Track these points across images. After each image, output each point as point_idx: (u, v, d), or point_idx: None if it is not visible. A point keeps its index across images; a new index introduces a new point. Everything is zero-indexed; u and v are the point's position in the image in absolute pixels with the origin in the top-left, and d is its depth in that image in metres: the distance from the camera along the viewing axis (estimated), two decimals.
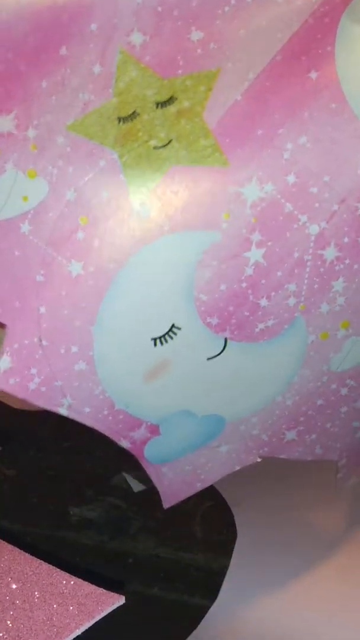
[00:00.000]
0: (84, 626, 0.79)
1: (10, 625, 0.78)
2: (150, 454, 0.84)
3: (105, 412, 0.80)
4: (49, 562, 0.87)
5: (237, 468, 0.88)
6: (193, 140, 0.73)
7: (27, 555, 0.87)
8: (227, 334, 0.78)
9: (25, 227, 0.70)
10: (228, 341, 0.78)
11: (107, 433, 0.82)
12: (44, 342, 0.74)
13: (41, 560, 0.86)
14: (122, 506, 0.98)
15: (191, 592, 0.91)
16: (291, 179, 0.74)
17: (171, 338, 0.77)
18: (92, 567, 0.93)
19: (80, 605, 0.80)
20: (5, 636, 0.77)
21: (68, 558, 0.94)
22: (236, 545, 0.89)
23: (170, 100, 0.71)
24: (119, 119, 0.70)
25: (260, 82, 0.72)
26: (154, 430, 0.83)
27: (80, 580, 0.83)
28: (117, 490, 1.01)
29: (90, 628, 0.79)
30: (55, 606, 0.80)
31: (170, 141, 0.72)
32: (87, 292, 0.73)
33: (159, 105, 0.71)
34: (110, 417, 0.80)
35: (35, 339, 0.74)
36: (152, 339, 0.76)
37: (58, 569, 0.85)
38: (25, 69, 0.66)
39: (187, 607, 0.91)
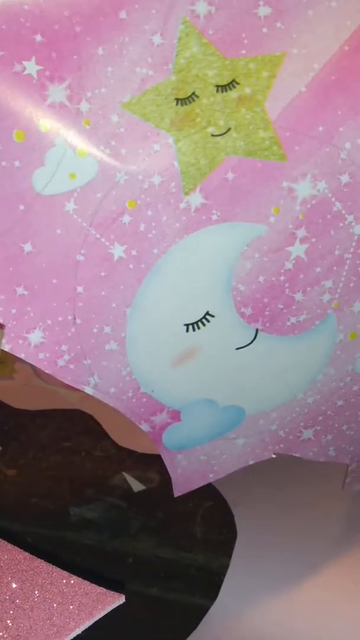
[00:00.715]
0: (84, 625, 0.79)
1: (10, 624, 0.78)
2: (168, 440, 0.84)
3: (130, 395, 0.80)
4: (49, 562, 0.86)
5: (251, 462, 0.88)
6: (252, 130, 0.71)
7: (27, 554, 0.87)
8: (259, 325, 0.78)
9: (70, 206, 0.69)
10: (259, 332, 0.78)
11: (128, 415, 0.81)
12: (78, 321, 0.73)
13: (41, 560, 0.86)
14: (122, 506, 0.98)
15: (191, 592, 0.91)
16: (345, 178, 0.74)
17: (204, 325, 0.76)
18: (92, 567, 0.93)
19: (80, 605, 0.80)
20: (5, 635, 0.77)
21: (68, 558, 0.94)
22: (236, 545, 0.89)
23: (231, 85, 0.69)
24: (177, 101, 0.68)
25: (326, 74, 0.70)
26: (175, 416, 0.82)
27: (80, 579, 0.83)
28: (117, 490, 1.01)
29: (90, 627, 0.79)
30: (55, 605, 0.80)
31: (228, 130, 0.70)
32: (127, 275, 0.73)
33: (220, 89, 0.69)
34: (134, 400, 0.80)
35: (70, 317, 0.73)
36: (185, 324, 0.76)
37: (58, 568, 0.85)
38: (82, 31, 0.63)
39: (187, 607, 0.91)
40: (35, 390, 1.25)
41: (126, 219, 0.71)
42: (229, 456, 0.86)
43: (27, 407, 1.21)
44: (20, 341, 0.72)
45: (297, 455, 0.88)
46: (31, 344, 0.73)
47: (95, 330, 0.75)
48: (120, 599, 0.82)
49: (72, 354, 0.75)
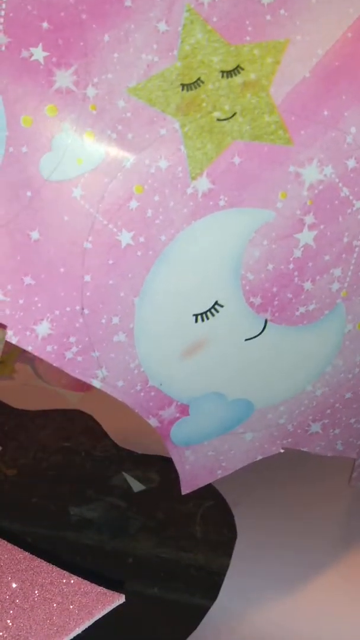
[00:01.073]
0: (84, 625, 0.79)
1: (10, 624, 0.78)
2: (176, 435, 0.83)
3: (138, 388, 0.79)
4: (49, 562, 0.86)
5: (259, 457, 0.87)
6: (258, 115, 0.71)
7: (27, 554, 0.87)
8: (268, 315, 0.78)
9: (77, 192, 0.69)
10: (268, 323, 0.78)
11: (136, 409, 0.81)
12: (86, 311, 0.73)
13: (41, 560, 0.86)
14: (122, 506, 0.98)
15: (191, 592, 0.91)
16: (351, 163, 0.74)
17: (213, 315, 0.76)
18: (92, 567, 0.93)
19: (80, 604, 0.80)
20: (5, 635, 0.77)
21: (68, 558, 0.94)
22: (236, 545, 0.89)
23: (236, 70, 0.70)
24: (183, 86, 0.69)
25: (329, 60, 0.71)
26: (184, 410, 0.82)
27: (80, 579, 0.83)
28: (117, 490, 1.01)
29: (90, 627, 0.79)
30: (55, 605, 0.80)
31: (234, 114, 0.71)
32: (135, 263, 0.72)
33: (225, 75, 0.69)
34: (142, 394, 0.80)
35: (77, 307, 0.72)
36: (194, 315, 0.76)
37: (58, 568, 0.85)
38: (88, 18, 0.64)
39: (187, 607, 0.91)
40: (35, 390, 1.25)
41: (133, 204, 0.70)
42: (237, 451, 0.86)
43: (27, 407, 1.21)
44: (28, 333, 0.72)
45: (304, 449, 0.88)
46: (39, 336, 0.72)
47: (103, 321, 0.74)
48: (120, 599, 0.82)
49: (80, 346, 0.74)
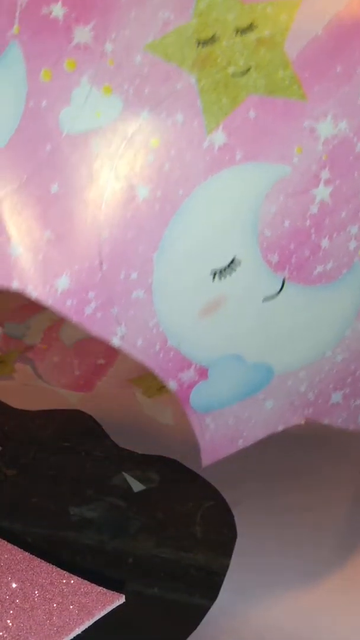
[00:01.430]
0: (84, 625, 0.79)
1: (10, 624, 0.78)
2: (195, 400, 0.82)
3: (157, 348, 0.79)
4: (49, 562, 0.86)
5: (280, 429, 0.86)
6: (272, 70, 0.72)
7: (27, 554, 0.87)
8: (285, 274, 0.78)
9: (95, 145, 0.69)
10: (286, 282, 0.78)
11: (156, 371, 0.80)
12: (104, 266, 0.73)
13: (41, 560, 0.86)
14: (122, 506, 0.98)
15: (191, 592, 0.91)
16: None
17: (230, 274, 0.76)
18: (92, 567, 0.93)
19: (80, 604, 0.80)
20: (5, 635, 0.77)
21: (68, 558, 0.94)
22: (236, 545, 0.89)
23: (250, 27, 0.71)
24: (198, 42, 0.70)
25: (342, 18, 0.72)
26: (203, 373, 0.81)
27: (80, 579, 0.83)
28: (117, 490, 1.01)
29: (90, 627, 0.79)
30: (55, 605, 0.80)
31: (249, 69, 0.72)
32: (153, 217, 0.73)
33: (239, 32, 0.71)
34: (161, 354, 0.79)
35: (96, 262, 0.72)
36: (212, 271, 0.76)
37: (58, 568, 0.85)
38: None
39: (187, 607, 0.91)
40: (35, 390, 1.25)
41: (150, 158, 0.71)
42: (258, 420, 0.85)
43: (27, 407, 1.21)
44: (48, 287, 0.71)
45: (326, 422, 0.87)
46: (58, 290, 0.72)
47: (122, 276, 0.74)
48: (120, 599, 0.82)
49: (99, 302, 0.74)
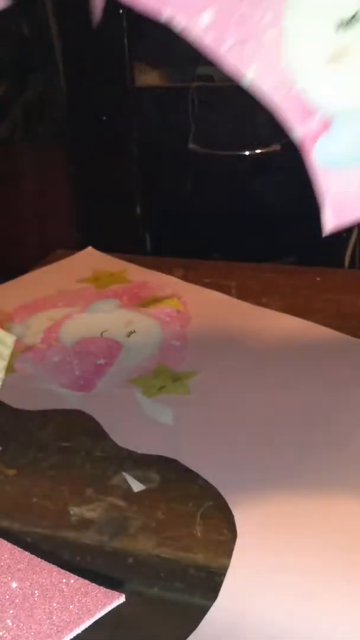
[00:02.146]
0: (84, 625, 0.79)
1: (10, 624, 0.78)
2: (320, 152, 0.81)
3: (285, 91, 0.79)
4: (49, 562, 0.86)
5: None
6: None
7: (26, 553, 0.87)
8: None
9: None
10: None
11: (281, 114, 0.80)
12: (244, 5, 0.75)
13: (41, 559, 0.86)
14: (122, 506, 0.98)
15: (191, 592, 0.91)
16: None
17: (355, 24, 0.77)
18: (92, 567, 0.93)
19: (80, 604, 0.80)
20: (5, 635, 0.77)
21: (68, 558, 0.94)
22: (236, 545, 0.89)
23: None
24: None
25: None
26: (327, 124, 0.81)
27: (80, 579, 0.83)
28: (117, 490, 1.01)
29: (90, 627, 0.79)
30: (55, 605, 0.80)
31: None
32: None
33: None
34: (288, 98, 0.79)
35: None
36: (338, 21, 0.77)
37: (58, 568, 0.85)
38: None
39: (187, 607, 0.91)
40: (35, 390, 1.25)
41: None
42: None
43: (27, 407, 1.20)
44: (191, 22, 0.75)
45: None
46: (201, 25, 0.75)
47: (257, 17, 0.76)
48: (120, 599, 0.82)
49: (235, 39, 0.76)
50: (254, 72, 0.78)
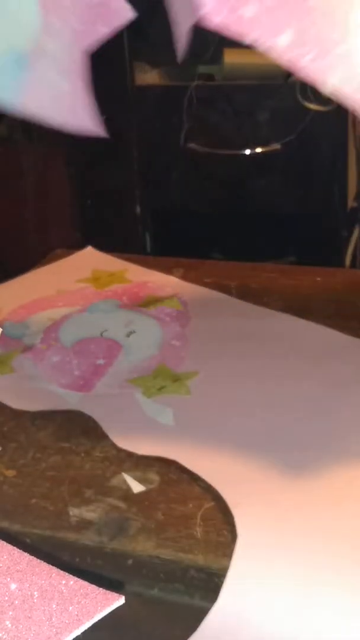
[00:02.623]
0: (84, 626, 0.78)
1: (9, 625, 0.78)
2: None
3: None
4: (49, 563, 0.86)
5: None
6: None
7: (26, 555, 0.86)
8: None
9: None
10: None
11: None
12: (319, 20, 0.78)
13: (41, 561, 0.86)
14: (121, 507, 0.97)
15: (191, 593, 0.91)
16: None
17: None
18: (91, 568, 0.93)
19: (80, 606, 0.80)
20: (4, 636, 0.77)
21: (68, 559, 0.94)
22: (236, 546, 0.89)
23: None
24: None
25: None
26: None
27: (80, 580, 0.83)
28: (116, 491, 1.00)
29: (89, 629, 0.79)
30: (54, 606, 0.80)
31: None
32: None
33: None
34: None
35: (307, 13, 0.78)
36: None
37: (57, 569, 0.84)
38: None
39: (187, 608, 0.91)
40: (35, 390, 1.25)
41: None
42: None
43: (26, 407, 1.20)
44: (273, 42, 0.78)
45: None
46: (282, 44, 0.78)
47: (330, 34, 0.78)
48: (119, 600, 0.81)
49: (314, 53, 0.79)
50: (336, 79, 0.80)
